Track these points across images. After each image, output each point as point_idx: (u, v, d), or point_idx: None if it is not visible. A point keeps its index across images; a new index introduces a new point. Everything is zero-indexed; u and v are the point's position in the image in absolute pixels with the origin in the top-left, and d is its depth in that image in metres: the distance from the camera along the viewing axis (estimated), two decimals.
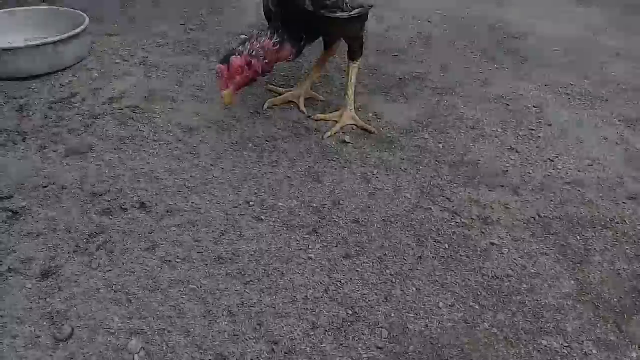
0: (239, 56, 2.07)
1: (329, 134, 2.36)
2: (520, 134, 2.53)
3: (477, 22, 3.90)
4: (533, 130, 2.57)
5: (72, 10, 3.12)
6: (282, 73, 2.89)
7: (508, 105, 2.77)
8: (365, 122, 2.47)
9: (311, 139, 2.34)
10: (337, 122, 2.44)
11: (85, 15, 2.95)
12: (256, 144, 2.26)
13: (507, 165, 2.30)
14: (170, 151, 2.15)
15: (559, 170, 2.29)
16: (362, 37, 2.40)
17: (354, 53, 2.44)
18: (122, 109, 2.42)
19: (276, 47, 2.13)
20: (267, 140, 2.29)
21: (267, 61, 2.14)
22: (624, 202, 2.13)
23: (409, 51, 3.31)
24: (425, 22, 3.84)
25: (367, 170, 2.18)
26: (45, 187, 1.95)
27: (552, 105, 2.81)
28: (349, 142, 2.34)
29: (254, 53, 2.09)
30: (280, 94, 2.64)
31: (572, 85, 3.04)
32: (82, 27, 2.81)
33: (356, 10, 2.11)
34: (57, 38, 2.70)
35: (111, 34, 3.24)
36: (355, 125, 2.45)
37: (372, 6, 2.22)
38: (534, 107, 2.77)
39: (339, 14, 2.08)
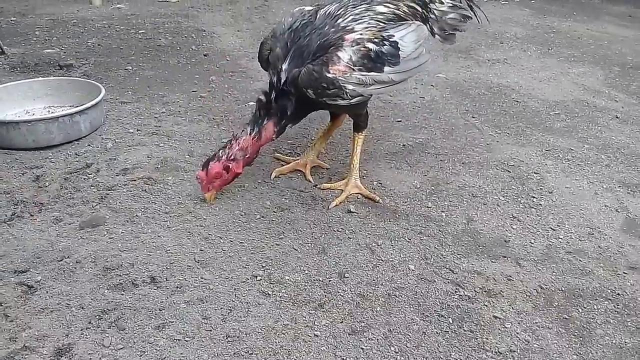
0: (217, 162, 2.25)
1: (334, 203, 2.43)
2: (521, 201, 2.59)
3: (479, 86, 4.02)
4: (534, 197, 2.62)
5: (88, 81, 3.27)
6: (289, 140, 2.99)
7: (509, 171, 2.84)
8: (370, 191, 2.54)
9: (317, 209, 2.41)
10: (342, 191, 2.51)
11: (101, 86, 3.09)
12: (263, 214, 2.33)
13: (509, 234, 2.34)
14: (181, 224, 2.22)
15: (560, 240, 2.34)
16: (366, 112, 2.50)
17: (358, 126, 2.53)
18: (135, 180, 2.51)
19: (256, 138, 2.30)
20: (274, 211, 2.36)
21: (248, 156, 2.32)
22: (624, 273, 2.17)
23: (413, 117, 3.42)
24: (429, 86, 3.96)
25: (372, 240, 2.23)
26: (60, 260, 2.01)
27: (553, 171, 2.88)
28: (354, 212, 2.40)
29: (232, 157, 2.27)
30: (287, 163, 2.73)
31: (572, 150, 3.11)
32: (98, 98, 2.93)
33: (356, 98, 2.21)
34: (75, 110, 2.82)
35: (125, 102, 3.38)
36: (360, 194, 2.52)
37: (371, 95, 2.33)
38: (535, 173, 2.84)
39: (340, 102, 2.19)
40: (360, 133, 2.55)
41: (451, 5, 2.50)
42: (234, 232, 2.19)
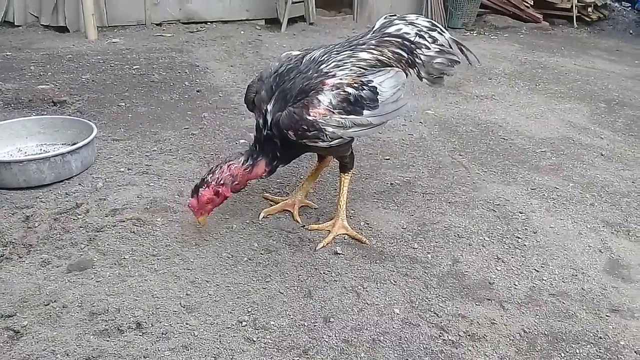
0: (207, 188, 2.27)
1: (321, 245, 2.45)
2: (506, 242, 2.62)
3: (467, 122, 4.09)
4: (519, 238, 2.66)
5: (81, 120, 3.31)
6: (278, 179, 3.03)
7: (495, 211, 2.88)
8: (357, 232, 2.57)
9: (304, 250, 2.43)
10: (329, 232, 2.54)
11: (93, 125, 3.13)
12: (250, 257, 2.35)
13: (494, 276, 2.37)
14: (168, 267, 2.24)
15: (543, 281, 2.36)
16: (351, 153, 2.54)
17: (344, 167, 2.57)
18: (124, 221, 2.53)
19: (247, 170, 2.32)
20: (261, 253, 2.38)
21: (237, 183, 2.33)
22: (607, 315, 2.19)
23: (401, 154, 3.47)
24: (417, 123, 4.03)
25: (358, 283, 2.25)
26: (47, 305, 2.02)
27: (538, 210, 2.92)
28: (341, 253, 2.43)
29: (222, 182, 2.28)
30: (275, 203, 2.76)
31: (557, 189, 3.16)
32: (90, 137, 2.97)
33: (336, 140, 2.26)
34: (67, 149, 2.86)
35: (117, 139, 3.42)
36: (348, 234, 2.55)
37: (352, 138, 2.37)
38: (520, 213, 2.88)
39: (320, 144, 2.23)
40: (346, 174, 2.59)
41: (438, 50, 2.56)
42: (221, 276, 2.21)
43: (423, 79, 2.60)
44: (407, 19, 2.58)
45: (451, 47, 2.60)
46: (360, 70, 2.32)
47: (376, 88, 2.29)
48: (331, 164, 2.89)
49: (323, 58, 2.35)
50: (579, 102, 4.73)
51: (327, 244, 2.47)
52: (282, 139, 2.28)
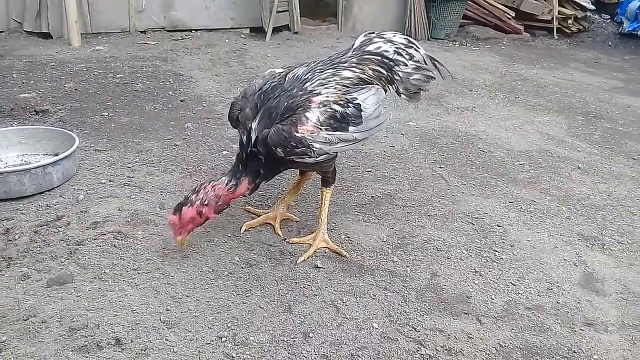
0: (190, 207, 2.28)
1: (302, 258, 2.48)
2: (484, 255, 2.67)
3: (448, 135, 4.14)
4: (496, 251, 2.71)
5: (63, 130, 3.31)
6: (260, 192, 3.04)
7: (473, 224, 2.93)
8: (338, 245, 2.60)
9: (285, 264, 2.46)
10: (310, 245, 2.57)
11: (75, 135, 3.13)
12: (231, 270, 2.37)
13: (471, 290, 2.41)
14: (148, 281, 2.25)
15: (519, 295, 2.41)
16: (333, 169, 2.58)
17: (326, 181, 2.61)
18: (105, 234, 2.53)
19: (231, 190, 2.34)
20: (242, 267, 2.40)
21: (220, 203, 2.35)
22: (581, 329, 2.24)
23: (382, 167, 3.51)
24: (399, 135, 4.08)
25: (337, 297, 2.28)
26: (26, 320, 2.02)
27: (515, 224, 2.97)
28: (321, 267, 2.45)
29: (206, 202, 2.30)
30: (257, 215, 2.78)
31: (534, 202, 3.22)
32: (72, 149, 2.97)
33: (322, 156, 2.30)
34: (48, 161, 2.85)
35: (99, 150, 3.42)
36: (328, 248, 2.58)
37: (337, 153, 2.42)
38: (498, 226, 2.93)
39: (307, 160, 2.27)
40: (328, 188, 2.62)
41: (415, 67, 2.61)
42: (201, 290, 2.23)
43: (401, 95, 2.65)
44: (385, 36, 2.63)
45: (426, 63, 2.66)
46: (344, 88, 2.37)
47: (360, 105, 2.33)
48: (313, 177, 2.93)
49: (307, 76, 2.39)
50: (557, 115, 4.82)
51: (308, 257, 2.50)
52: (267, 156, 2.31)
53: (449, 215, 3.00)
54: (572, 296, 2.44)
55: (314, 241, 2.57)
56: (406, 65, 2.60)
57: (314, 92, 2.32)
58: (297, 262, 2.47)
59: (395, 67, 2.55)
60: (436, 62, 2.76)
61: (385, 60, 2.53)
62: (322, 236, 2.59)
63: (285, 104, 2.31)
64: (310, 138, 2.24)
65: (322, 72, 2.40)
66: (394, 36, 2.65)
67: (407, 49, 2.60)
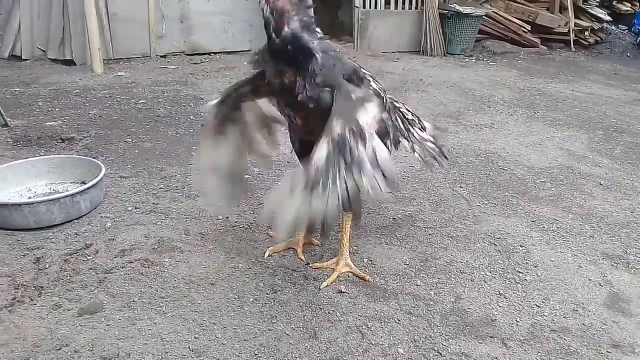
0: None
1: (325, 283, 2.50)
2: (507, 277, 2.66)
3: (467, 153, 4.15)
4: (520, 272, 2.70)
5: (89, 159, 3.39)
6: None
7: (496, 245, 2.93)
8: (360, 269, 2.62)
9: (309, 289, 2.48)
10: (333, 270, 2.59)
11: (101, 164, 3.21)
12: (256, 297, 2.40)
13: (496, 313, 2.41)
14: (176, 309, 2.29)
15: (545, 317, 2.40)
16: None
17: None
18: (132, 262, 2.59)
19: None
20: (267, 293, 2.43)
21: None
22: (607, 352, 2.22)
23: (402, 187, 3.53)
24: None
25: (362, 322, 2.30)
26: (59, 349, 2.07)
27: (538, 243, 2.97)
28: (345, 292, 2.47)
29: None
30: (280, 240, 2.82)
31: (557, 220, 3.21)
32: (98, 177, 3.04)
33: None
34: (76, 190, 2.93)
35: (124, 176, 3.49)
36: (351, 272, 2.60)
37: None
38: (520, 246, 2.93)
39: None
40: (349, 212, 2.64)
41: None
42: (228, 318, 2.26)
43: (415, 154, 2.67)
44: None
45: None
46: None
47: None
48: None
49: None
50: (577, 130, 4.80)
51: (331, 282, 2.52)
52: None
53: (471, 236, 3.00)
54: (598, 317, 2.42)
55: (337, 266, 2.60)
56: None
57: None
58: (321, 287, 2.49)
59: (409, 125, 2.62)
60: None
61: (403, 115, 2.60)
62: (344, 260, 2.61)
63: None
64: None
65: None
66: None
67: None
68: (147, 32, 6.52)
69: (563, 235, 3.06)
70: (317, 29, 2.20)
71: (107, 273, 2.52)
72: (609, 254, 2.91)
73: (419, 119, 2.75)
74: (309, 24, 2.14)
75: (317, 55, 2.12)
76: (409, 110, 2.70)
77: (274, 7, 2.07)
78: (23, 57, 6.34)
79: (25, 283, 2.45)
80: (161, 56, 6.64)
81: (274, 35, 2.07)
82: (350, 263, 2.62)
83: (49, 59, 6.34)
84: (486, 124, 4.85)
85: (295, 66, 2.13)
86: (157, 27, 6.54)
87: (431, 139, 2.73)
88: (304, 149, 2.53)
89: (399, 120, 2.56)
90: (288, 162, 3.78)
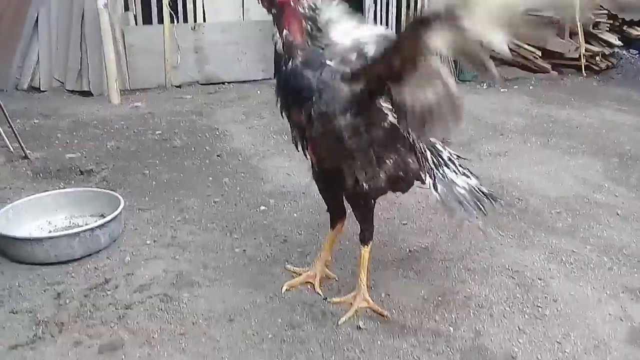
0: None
1: (343, 319, 2.50)
2: (527, 312, 2.65)
3: (482, 182, 4.14)
4: (540, 307, 2.68)
5: (108, 192, 3.44)
6: (299, 249, 3.11)
7: (514, 278, 2.91)
8: (378, 304, 2.62)
9: (327, 325, 2.48)
10: (351, 304, 2.59)
11: (120, 197, 3.25)
12: (275, 333, 2.41)
13: (516, 349, 2.39)
14: (195, 346, 2.30)
15: (566, 354, 2.38)
16: (371, 218, 2.60)
17: (364, 235, 2.62)
18: (151, 297, 2.61)
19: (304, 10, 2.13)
20: (285, 329, 2.44)
21: (298, 20, 2.13)
22: None
23: (418, 218, 3.54)
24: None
25: None
26: None
27: (557, 276, 2.95)
28: (363, 328, 2.47)
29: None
30: (298, 274, 2.82)
31: (574, 252, 3.19)
32: (117, 211, 3.09)
33: None
34: (96, 224, 2.97)
35: (142, 209, 3.53)
36: (369, 307, 2.59)
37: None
38: (539, 279, 2.91)
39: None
40: (366, 246, 2.64)
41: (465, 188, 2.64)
42: (247, 355, 2.27)
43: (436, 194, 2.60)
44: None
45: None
46: None
47: None
48: (350, 233, 2.96)
49: None
50: (591, 158, 4.79)
51: (349, 318, 2.52)
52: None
53: (489, 268, 2.99)
54: (620, 353, 2.40)
55: (355, 301, 2.60)
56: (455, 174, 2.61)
57: None
58: (339, 322, 2.49)
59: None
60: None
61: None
62: (362, 295, 2.61)
63: None
64: None
65: None
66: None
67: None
68: (162, 63, 6.64)
69: (582, 268, 3.04)
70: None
71: (126, 309, 2.54)
72: (629, 287, 2.88)
73: (461, 166, 2.73)
74: (314, 35, 2.18)
75: (314, 95, 2.15)
76: (445, 149, 2.66)
77: (287, 42, 2.14)
78: (41, 89, 6.47)
79: (46, 319, 2.48)
80: (176, 86, 6.74)
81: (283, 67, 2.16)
82: (368, 298, 2.61)
83: (67, 90, 6.47)
84: (500, 152, 4.85)
85: (299, 104, 2.20)
86: (173, 58, 6.66)
87: (467, 186, 2.64)
88: (320, 176, 2.59)
89: (428, 152, 2.55)
90: (303, 192, 3.80)
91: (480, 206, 2.64)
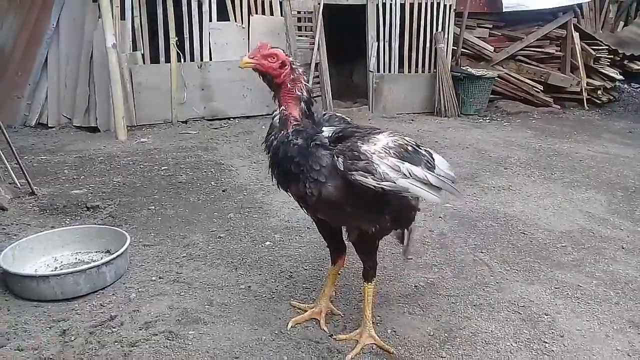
0: (288, 57, 2.25)
1: (349, 356, 2.49)
2: (534, 347, 2.63)
3: (486, 217, 4.16)
4: (546, 343, 2.66)
5: (113, 228, 3.47)
6: (304, 284, 3.10)
7: (520, 313, 2.90)
8: (384, 340, 2.60)
9: None
10: (357, 342, 2.58)
11: (125, 233, 3.27)
12: None
13: None
14: None
15: None
16: (374, 260, 2.61)
17: (367, 273, 2.62)
18: (157, 335, 2.60)
19: (291, 75, 2.25)
20: None
21: (293, 80, 2.25)
22: None
23: (423, 253, 3.54)
24: (437, 218, 4.12)
25: None
26: None
27: (563, 311, 2.93)
28: None
29: (297, 72, 2.27)
30: (303, 310, 2.82)
31: (580, 287, 3.18)
32: (123, 248, 3.10)
33: (385, 182, 2.11)
34: (102, 262, 2.98)
35: (147, 245, 3.55)
36: (375, 344, 2.58)
37: (402, 191, 2.19)
38: (545, 314, 2.89)
39: (370, 181, 2.10)
40: (369, 283, 2.64)
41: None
42: None
43: None
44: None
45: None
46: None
47: (432, 154, 2.40)
48: (353, 267, 2.96)
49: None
50: (595, 191, 4.81)
51: (356, 355, 2.50)
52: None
53: (495, 304, 2.98)
54: None
55: (361, 337, 2.58)
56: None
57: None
58: None
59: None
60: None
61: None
62: (368, 332, 2.60)
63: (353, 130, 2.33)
64: (377, 157, 2.14)
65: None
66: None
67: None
68: (169, 100, 6.75)
69: (588, 303, 3.02)
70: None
71: (132, 346, 2.53)
72: (635, 321, 2.86)
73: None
74: (309, 115, 2.31)
75: (302, 162, 2.22)
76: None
77: (283, 116, 2.28)
78: (49, 125, 6.58)
79: (51, 356, 2.47)
80: (182, 122, 6.84)
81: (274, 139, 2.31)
82: (374, 334, 2.60)
83: (75, 126, 6.57)
84: (503, 186, 4.88)
85: (291, 174, 2.28)
86: (179, 95, 6.78)
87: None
88: (320, 223, 2.65)
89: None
90: (308, 227, 3.81)
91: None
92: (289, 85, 2.26)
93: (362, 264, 2.66)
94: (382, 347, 2.56)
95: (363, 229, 2.44)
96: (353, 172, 2.11)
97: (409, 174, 2.16)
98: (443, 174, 2.37)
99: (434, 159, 2.39)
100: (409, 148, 2.27)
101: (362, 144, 2.18)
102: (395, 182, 2.13)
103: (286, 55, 2.27)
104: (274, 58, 2.23)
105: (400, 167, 2.15)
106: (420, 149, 2.37)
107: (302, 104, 2.28)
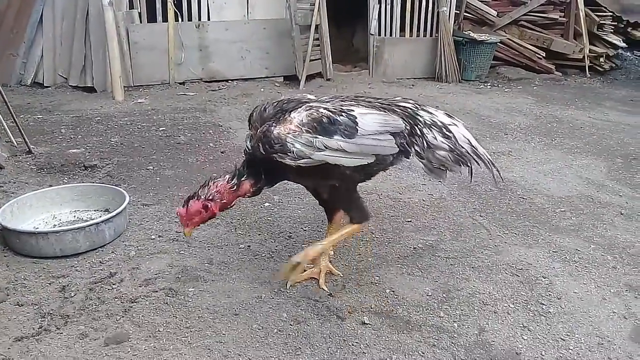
0: (197, 200, 2.40)
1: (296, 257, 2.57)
2: (531, 309, 2.65)
3: (486, 181, 4.14)
4: (543, 304, 2.69)
5: (113, 187, 3.45)
6: (303, 245, 3.11)
7: (518, 276, 2.92)
8: (383, 299, 2.63)
9: (332, 321, 2.49)
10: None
11: (124, 192, 3.26)
12: (280, 328, 2.41)
13: (520, 346, 2.40)
14: (201, 339, 2.31)
15: (570, 351, 2.38)
16: (359, 206, 2.61)
17: (352, 218, 2.62)
18: (157, 291, 2.61)
19: (233, 189, 2.44)
20: (290, 324, 2.44)
21: (224, 201, 2.45)
22: None
23: (422, 216, 3.54)
24: (437, 182, 4.10)
25: (386, 355, 2.29)
26: None
27: (561, 274, 2.95)
28: (368, 324, 2.47)
29: (210, 197, 2.41)
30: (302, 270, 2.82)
31: (578, 251, 3.19)
32: (122, 206, 3.09)
33: (303, 160, 2.27)
34: (101, 219, 2.97)
35: (147, 204, 3.54)
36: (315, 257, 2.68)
37: (323, 162, 2.31)
38: (543, 277, 2.91)
39: (288, 160, 2.27)
40: (356, 224, 2.62)
41: (447, 148, 2.57)
42: (252, 349, 2.27)
43: (421, 164, 2.57)
44: (428, 109, 2.66)
45: (464, 156, 2.63)
46: (350, 104, 2.43)
47: (356, 118, 2.35)
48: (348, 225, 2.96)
49: (324, 98, 2.52)
50: (595, 158, 4.79)
51: (301, 258, 2.55)
52: (260, 157, 2.36)
53: (493, 266, 2.99)
54: (624, 351, 2.40)
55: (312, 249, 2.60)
56: (435, 138, 2.58)
57: (315, 101, 2.41)
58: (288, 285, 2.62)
59: (420, 128, 2.56)
60: (493, 167, 2.83)
61: (411, 116, 2.57)
62: (320, 247, 2.60)
63: (285, 107, 2.40)
64: (291, 137, 2.25)
65: (342, 99, 2.48)
66: (436, 110, 2.70)
67: (445, 126, 2.61)
68: (166, 60, 6.65)
69: (585, 266, 3.04)
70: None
71: (132, 302, 2.54)
72: (632, 285, 2.88)
73: (445, 124, 2.64)
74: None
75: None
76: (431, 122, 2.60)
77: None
78: (45, 84, 6.49)
79: (51, 312, 2.48)
80: (180, 83, 6.75)
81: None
82: (318, 250, 2.62)
83: (71, 85, 6.49)
84: (504, 151, 4.86)
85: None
86: (177, 55, 6.68)
87: (447, 147, 2.59)
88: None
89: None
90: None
91: (462, 161, 2.64)
92: (221, 202, 2.45)
93: (346, 214, 2.68)
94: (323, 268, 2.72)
95: (324, 191, 2.61)
96: (274, 155, 2.27)
97: (323, 146, 2.27)
98: (369, 134, 2.35)
99: (356, 123, 2.34)
100: (324, 120, 2.31)
101: (276, 126, 2.29)
102: (311, 157, 2.27)
103: (195, 199, 2.42)
104: (197, 212, 2.41)
105: (313, 142, 2.27)
106: (342, 114, 2.34)
107: (231, 179, 2.46)
